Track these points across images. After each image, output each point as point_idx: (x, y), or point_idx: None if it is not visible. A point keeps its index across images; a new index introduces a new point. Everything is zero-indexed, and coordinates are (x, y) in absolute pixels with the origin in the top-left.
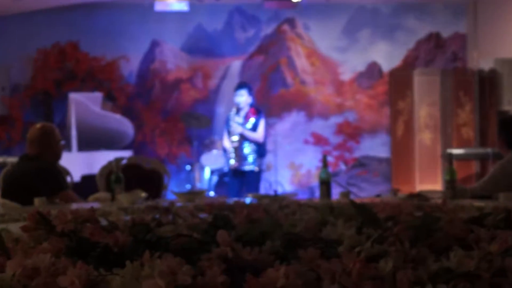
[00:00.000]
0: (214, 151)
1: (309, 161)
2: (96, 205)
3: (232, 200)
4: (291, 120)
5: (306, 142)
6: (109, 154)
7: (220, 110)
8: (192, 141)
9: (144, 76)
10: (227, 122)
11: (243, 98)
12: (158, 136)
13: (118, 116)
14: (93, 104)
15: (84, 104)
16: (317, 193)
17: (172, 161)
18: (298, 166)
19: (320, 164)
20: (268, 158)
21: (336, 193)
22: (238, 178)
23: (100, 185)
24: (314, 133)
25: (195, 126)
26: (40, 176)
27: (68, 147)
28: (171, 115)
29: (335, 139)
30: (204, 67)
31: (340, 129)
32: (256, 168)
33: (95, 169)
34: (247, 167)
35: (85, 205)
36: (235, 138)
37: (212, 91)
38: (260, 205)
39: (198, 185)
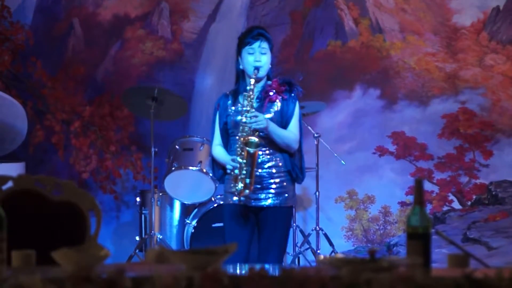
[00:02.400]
0: (192, 169)
1: (385, 191)
2: None
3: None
4: (351, 107)
5: (380, 151)
6: None
7: (206, 83)
8: (147, 147)
9: (50, 12)
10: (220, 109)
11: (264, 60)
12: (79, 135)
13: None
14: None
15: None
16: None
17: (105, 187)
18: (362, 201)
19: (408, 198)
20: (305, 182)
21: (440, 258)
22: (250, 221)
23: None
24: (398, 133)
25: (156, 116)
26: None
27: None
28: (103, 93)
29: (441, 147)
30: None
31: (451, 126)
32: (288, 202)
33: None
34: (271, 200)
35: None
36: (254, 141)
37: (191, 44)
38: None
39: (157, 235)
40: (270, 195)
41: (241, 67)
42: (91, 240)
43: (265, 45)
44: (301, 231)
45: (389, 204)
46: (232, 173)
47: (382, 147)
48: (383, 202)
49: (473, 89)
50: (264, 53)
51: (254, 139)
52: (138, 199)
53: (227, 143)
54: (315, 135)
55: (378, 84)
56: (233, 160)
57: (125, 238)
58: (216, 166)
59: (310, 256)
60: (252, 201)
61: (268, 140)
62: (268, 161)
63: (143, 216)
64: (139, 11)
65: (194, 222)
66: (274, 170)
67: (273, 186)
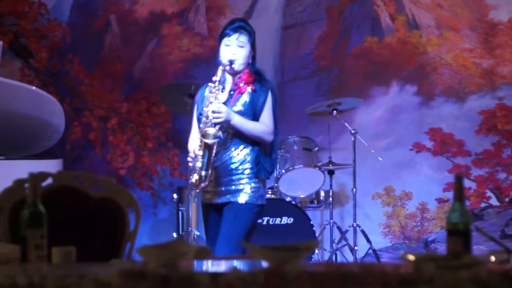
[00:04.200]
0: None
1: (422, 187)
2: None
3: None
4: (388, 103)
5: (417, 147)
6: (14, 166)
7: None
8: (184, 143)
9: (87, 9)
10: (198, 101)
11: (240, 53)
12: (116, 131)
13: (34, 90)
14: None
15: None
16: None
17: (142, 183)
18: (400, 197)
19: (445, 195)
20: (342, 178)
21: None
22: (214, 216)
23: None
24: (435, 129)
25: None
26: None
27: None
28: (140, 90)
29: (478, 143)
30: None
31: (488, 123)
32: (252, 198)
33: None
34: (242, 198)
35: None
36: (211, 133)
37: None
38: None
39: (194, 231)
40: (232, 191)
41: (220, 58)
42: (130, 236)
43: (243, 38)
44: (338, 228)
45: (426, 201)
46: (190, 165)
47: (419, 143)
48: (420, 198)
49: (511, 85)
50: (242, 46)
51: (212, 130)
52: (175, 195)
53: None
54: (352, 131)
55: (415, 81)
56: (194, 152)
57: (162, 235)
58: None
59: (347, 252)
60: (216, 198)
61: (235, 133)
62: (231, 155)
63: (180, 212)
64: (175, 8)
65: None
66: (238, 165)
67: (235, 182)
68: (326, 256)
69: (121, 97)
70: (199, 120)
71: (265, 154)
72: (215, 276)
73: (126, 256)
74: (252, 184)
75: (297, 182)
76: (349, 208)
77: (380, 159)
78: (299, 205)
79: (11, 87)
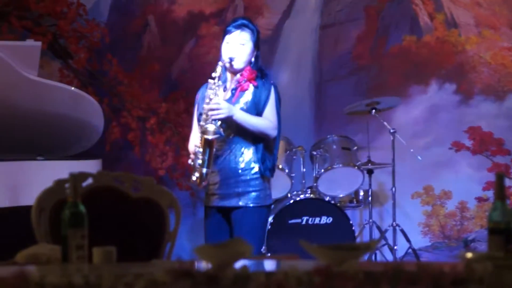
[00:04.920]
0: None
1: (461, 186)
2: (31, 269)
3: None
4: (426, 102)
5: (456, 146)
6: (55, 166)
7: (281, 79)
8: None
9: (125, 10)
10: (199, 100)
11: (242, 51)
12: (155, 131)
13: (73, 90)
14: (23, 64)
15: (3, 64)
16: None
17: (181, 183)
18: (439, 196)
19: (485, 193)
20: (381, 178)
21: None
22: (217, 219)
23: (39, 230)
24: (474, 128)
25: None
26: None
27: None
28: (179, 90)
29: None
30: None
31: None
32: (259, 202)
33: (26, 197)
34: (252, 201)
35: (5, 270)
36: (211, 129)
37: (265, 40)
38: None
39: None
40: (240, 194)
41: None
42: (170, 236)
43: (245, 35)
44: (378, 227)
45: (466, 200)
46: (191, 163)
47: (458, 142)
48: (460, 197)
49: None
50: (243, 44)
51: (212, 126)
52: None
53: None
54: (391, 130)
55: (453, 79)
56: (195, 149)
57: (201, 235)
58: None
59: (387, 252)
60: (220, 201)
61: (238, 132)
62: (236, 156)
63: None
64: (213, 8)
65: (270, 219)
66: (243, 166)
67: (242, 183)
68: (366, 256)
69: (159, 97)
70: (199, 120)
71: (269, 152)
72: (270, 275)
73: (166, 256)
74: (260, 185)
75: (336, 182)
76: (388, 208)
77: (419, 158)
78: (338, 204)
79: (50, 88)
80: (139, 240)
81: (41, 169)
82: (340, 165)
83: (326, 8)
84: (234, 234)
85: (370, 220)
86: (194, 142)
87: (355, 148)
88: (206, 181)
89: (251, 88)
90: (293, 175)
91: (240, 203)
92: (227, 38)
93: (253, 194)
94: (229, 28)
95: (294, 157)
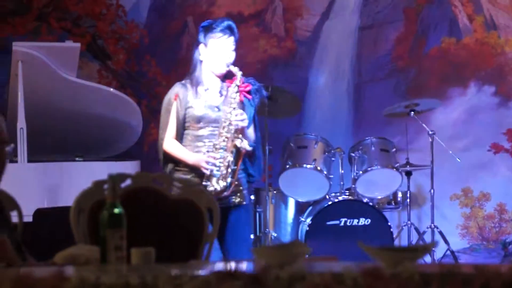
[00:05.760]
0: (306, 166)
1: (500, 188)
2: (69, 270)
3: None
4: (465, 104)
5: (495, 148)
6: (94, 167)
7: (320, 81)
8: (262, 145)
9: (164, 11)
10: (179, 101)
11: (233, 56)
12: None
13: (112, 91)
14: (62, 65)
15: (42, 65)
16: None
17: None
18: (477, 198)
19: None
20: (419, 179)
21: None
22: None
23: (77, 230)
24: None
25: (270, 114)
26: None
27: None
28: None
29: None
30: None
31: None
32: (250, 199)
33: (65, 198)
34: (245, 199)
35: (44, 270)
36: (245, 140)
37: (304, 41)
38: None
39: (271, 232)
40: (233, 194)
41: (201, 57)
42: (209, 237)
43: (234, 40)
44: (416, 229)
45: (504, 202)
46: (209, 172)
47: (497, 144)
48: (498, 199)
49: None
50: (234, 49)
51: (242, 137)
52: (252, 197)
53: (181, 137)
54: (430, 132)
55: (493, 81)
56: (214, 158)
57: None
58: (166, 160)
59: None
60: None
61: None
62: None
63: (257, 214)
64: (252, 9)
65: (308, 220)
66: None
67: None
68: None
69: None
70: (182, 121)
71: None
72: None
73: (204, 257)
74: (247, 184)
75: (375, 183)
76: (427, 209)
77: (458, 160)
78: (376, 206)
79: (89, 89)
80: (177, 241)
81: (80, 170)
82: (379, 167)
83: (365, 9)
84: (236, 229)
85: (409, 222)
86: (172, 142)
87: (394, 149)
88: (229, 191)
89: (244, 100)
90: (332, 176)
91: (236, 202)
92: (220, 42)
93: (245, 193)
94: (221, 32)
95: (333, 158)
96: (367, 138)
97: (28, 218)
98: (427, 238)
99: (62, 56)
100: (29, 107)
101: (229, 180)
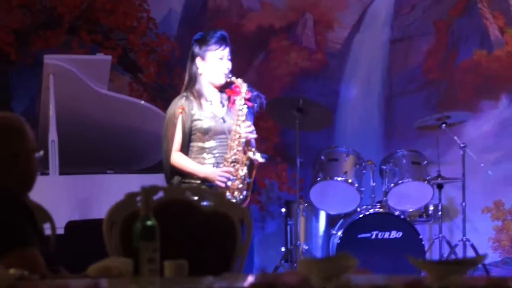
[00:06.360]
0: (337, 179)
1: None
2: (103, 282)
3: None
4: (497, 117)
5: None
6: (125, 180)
7: (351, 93)
8: (292, 157)
9: (195, 23)
10: (184, 114)
11: (229, 67)
12: None
13: (143, 104)
14: (93, 78)
15: (74, 78)
16: None
17: (251, 197)
18: (509, 211)
19: None
20: (451, 192)
21: None
22: None
23: (110, 243)
24: None
25: (301, 126)
26: None
27: (42, 165)
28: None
29: None
30: (318, 4)
31: None
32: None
33: (96, 211)
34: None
35: (78, 283)
36: (253, 151)
37: (335, 54)
38: None
39: (302, 245)
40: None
41: (199, 70)
42: (241, 250)
43: (229, 50)
44: (448, 242)
45: None
46: (223, 185)
47: None
48: None
49: None
50: (229, 59)
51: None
52: (283, 209)
53: (187, 149)
54: (461, 145)
55: None
56: (227, 171)
57: (270, 249)
58: (173, 172)
59: None
60: None
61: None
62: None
63: (288, 226)
64: (283, 22)
65: (339, 233)
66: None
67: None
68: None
69: None
70: (188, 134)
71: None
72: None
73: (237, 269)
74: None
75: (406, 196)
76: (458, 222)
77: (490, 172)
78: (407, 219)
79: (120, 102)
80: (210, 253)
81: (111, 183)
82: (410, 180)
83: (396, 22)
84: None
85: (440, 235)
86: (182, 156)
87: (425, 162)
88: (245, 204)
89: (245, 108)
90: (363, 189)
91: None
92: (218, 54)
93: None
94: (217, 45)
95: (364, 171)
96: (398, 150)
97: (60, 230)
98: (459, 251)
99: (93, 69)
100: (61, 120)
101: (245, 193)
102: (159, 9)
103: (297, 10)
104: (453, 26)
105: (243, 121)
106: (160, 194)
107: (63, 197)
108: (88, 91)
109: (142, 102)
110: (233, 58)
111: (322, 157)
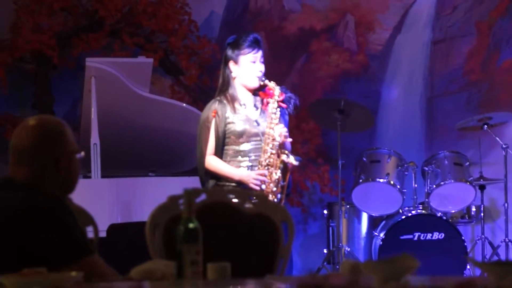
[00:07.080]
0: (380, 181)
1: None
2: (146, 285)
3: None
4: None
5: None
6: (166, 182)
7: (392, 95)
8: (334, 159)
9: (236, 26)
10: (218, 117)
11: (263, 70)
12: None
13: (184, 106)
14: (135, 81)
15: (115, 81)
16: None
17: (293, 199)
18: None
19: None
20: (493, 193)
21: None
22: None
23: (152, 245)
24: None
25: (343, 128)
26: (33, 224)
27: (84, 168)
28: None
29: None
30: (358, 5)
31: None
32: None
33: (138, 213)
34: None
35: (121, 285)
36: (287, 154)
37: (376, 55)
38: None
39: (344, 247)
40: None
41: (232, 74)
42: (284, 252)
43: (262, 53)
44: (490, 243)
45: None
46: (259, 188)
47: None
48: None
49: None
50: (262, 62)
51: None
52: (325, 211)
53: (221, 152)
54: (504, 146)
55: None
56: (262, 175)
57: (312, 251)
58: (207, 176)
59: None
60: None
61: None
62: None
63: (330, 228)
64: (324, 24)
65: (382, 234)
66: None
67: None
68: (477, 272)
69: None
70: (222, 137)
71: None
72: None
73: (279, 271)
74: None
75: (448, 197)
76: (501, 223)
77: None
78: (450, 220)
79: (162, 104)
80: (252, 255)
81: (153, 185)
82: (452, 181)
83: (437, 23)
84: None
85: (482, 236)
86: (217, 160)
87: (467, 163)
88: None
89: (278, 111)
90: (405, 190)
91: None
92: (251, 57)
93: None
94: (250, 48)
95: (406, 172)
96: (440, 152)
97: (102, 233)
98: (501, 252)
99: (135, 71)
100: (102, 123)
101: (279, 196)
102: (200, 12)
103: (338, 11)
104: (495, 27)
105: (277, 124)
106: (203, 196)
107: (105, 200)
108: (130, 93)
109: (184, 104)
110: (275, 60)
111: (364, 159)
